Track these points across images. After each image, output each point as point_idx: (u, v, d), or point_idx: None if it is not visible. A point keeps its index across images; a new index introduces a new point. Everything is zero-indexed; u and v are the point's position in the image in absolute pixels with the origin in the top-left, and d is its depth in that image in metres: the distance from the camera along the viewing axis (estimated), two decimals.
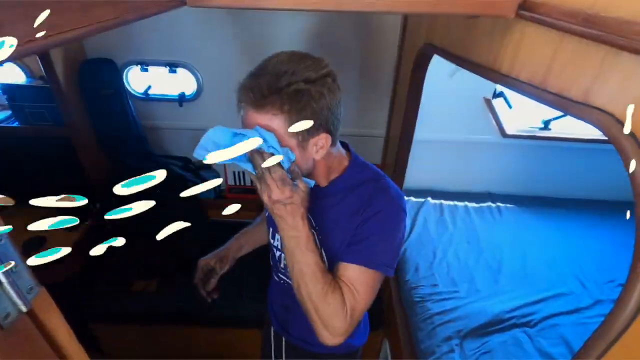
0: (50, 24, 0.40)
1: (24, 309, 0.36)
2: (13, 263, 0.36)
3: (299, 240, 0.79)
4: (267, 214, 1.11)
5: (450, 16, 1.15)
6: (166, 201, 2.12)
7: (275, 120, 0.73)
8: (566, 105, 0.63)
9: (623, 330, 0.53)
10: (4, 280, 0.34)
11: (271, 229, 1.09)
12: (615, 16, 0.51)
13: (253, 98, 0.73)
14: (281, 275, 1.13)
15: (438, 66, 1.67)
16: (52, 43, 0.39)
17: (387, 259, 0.86)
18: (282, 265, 1.09)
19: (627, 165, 0.48)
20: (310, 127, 0.73)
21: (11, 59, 0.35)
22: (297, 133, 0.76)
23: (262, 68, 0.75)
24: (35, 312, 0.38)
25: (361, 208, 0.87)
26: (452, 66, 1.97)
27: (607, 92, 0.54)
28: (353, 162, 0.94)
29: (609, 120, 0.53)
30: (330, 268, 0.90)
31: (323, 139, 0.80)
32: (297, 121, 0.70)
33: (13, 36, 0.35)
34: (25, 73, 2.04)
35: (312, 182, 0.82)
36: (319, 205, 0.94)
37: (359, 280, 0.84)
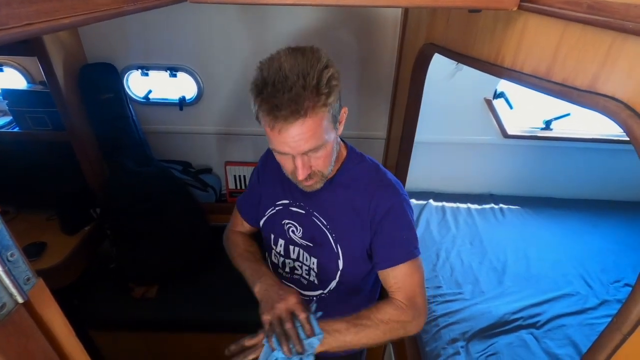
0: (49, 9, 0.39)
1: (20, 299, 0.35)
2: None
3: (339, 344, 0.84)
4: (262, 223, 1.08)
5: (451, 11, 1.14)
6: (166, 205, 2.11)
7: (323, 114, 0.75)
8: (572, 94, 0.62)
9: (631, 331, 0.52)
10: None
11: (272, 235, 1.06)
12: (622, 1, 0.51)
13: (298, 108, 0.71)
14: (285, 282, 1.09)
15: (438, 67, 1.67)
16: (50, 28, 0.38)
17: (413, 243, 0.93)
18: (287, 270, 1.07)
19: (639, 150, 0.47)
20: (339, 105, 0.81)
21: (7, 41, 0.34)
22: (334, 116, 0.80)
23: (282, 80, 0.72)
24: (32, 303, 0.37)
25: (370, 207, 0.91)
26: (452, 67, 1.99)
27: (615, 79, 0.54)
28: (350, 151, 0.99)
29: (618, 107, 0.52)
30: (350, 262, 0.96)
31: (344, 113, 0.86)
32: (336, 107, 0.79)
33: (10, 18, 0.35)
34: (26, 78, 2.04)
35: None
36: (327, 198, 0.96)
37: (401, 276, 0.91)
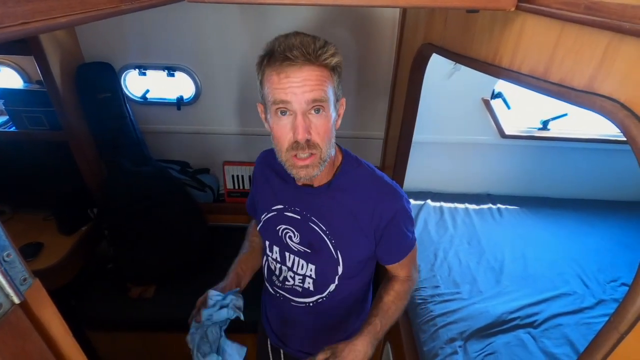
0: (45, 8, 0.39)
1: (16, 300, 0.35)
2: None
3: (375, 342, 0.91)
4: (259, 228, 1.08)
5: (449, 11, 1.15)
6: (164, 205, 2.10)
7: (325, 72, 0.76)
8: (569, 94, 0.62)
9: (628, 330, 0.52)
10: None
11: (267, 242, 1.05)
12: (619, 2, 0.51)
13: (309, 52, 0.73)
14: (277, 289, 1.08)
15: (436, 67, 1.67)
16: (46, 27, 0.38)
17: (411, 230, 0.98)
18: (280, 279, 1.05)
19: (636, 151, 0.47)
20: (340, 89, 0.82)
21: (4, 40, 0.34)
22: (336, 90, 0.80)
23: (293, 37, 0.75)
24: (28, 304, 0.37)
25: (374, 216, 0.91)
26: (450, 67, 1.99)
27: (612, 79, 0.54)
28: (346, 155, 0.97)
29: (615, 107, 0.52)
30: (350, 267, 0.96)
31: (343, 104, 0.86)
32: (339, 86, 0.80)
33: (6, 17, 0.34)
34: (22, 77, 2.03)
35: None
36: (325, 203, 0.94)
37: (403, 262, 1.00)
